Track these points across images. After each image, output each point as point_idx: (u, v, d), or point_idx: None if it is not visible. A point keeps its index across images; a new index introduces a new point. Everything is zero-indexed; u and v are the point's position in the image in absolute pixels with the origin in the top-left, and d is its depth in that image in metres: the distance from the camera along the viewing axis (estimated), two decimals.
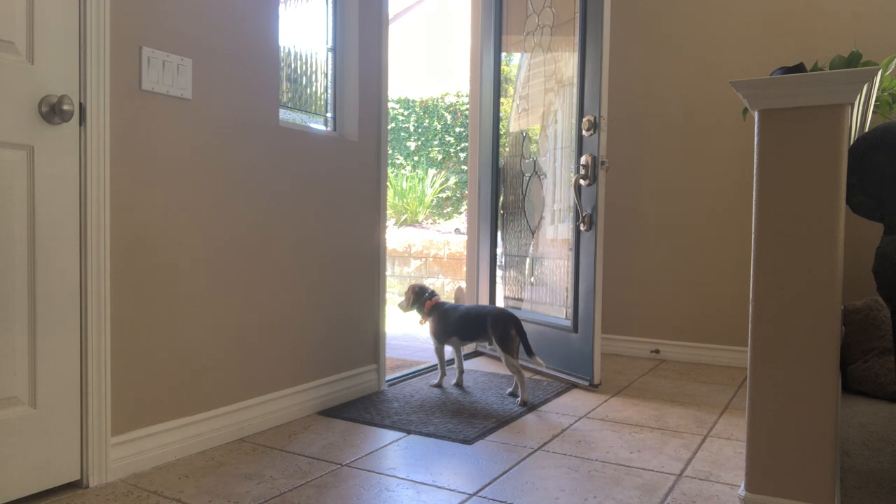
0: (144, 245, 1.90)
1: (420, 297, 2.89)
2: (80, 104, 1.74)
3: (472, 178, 3.84)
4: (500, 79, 3.66)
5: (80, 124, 1.74)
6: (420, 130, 9.25)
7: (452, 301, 4.78)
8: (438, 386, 2.89)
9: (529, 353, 2.67)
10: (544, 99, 3.34)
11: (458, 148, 8.99)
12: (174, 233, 1.98)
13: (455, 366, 2.94)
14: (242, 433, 2.20)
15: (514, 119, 3.60)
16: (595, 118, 2.88)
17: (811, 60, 3.24)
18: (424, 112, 9.22)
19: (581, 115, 2.98)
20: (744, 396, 2.83)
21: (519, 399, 2.64)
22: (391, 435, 2.26)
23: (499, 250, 3.70)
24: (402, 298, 2.94)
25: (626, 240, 3.73)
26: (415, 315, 3.06)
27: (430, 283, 6.43)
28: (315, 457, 2.03)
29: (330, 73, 2.72)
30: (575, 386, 2.96)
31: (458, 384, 2.89)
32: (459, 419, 2.42)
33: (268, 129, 2.28)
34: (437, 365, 3.27)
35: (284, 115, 2.51)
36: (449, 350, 2.93)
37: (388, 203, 4.69)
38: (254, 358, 2.25)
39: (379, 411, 2.51)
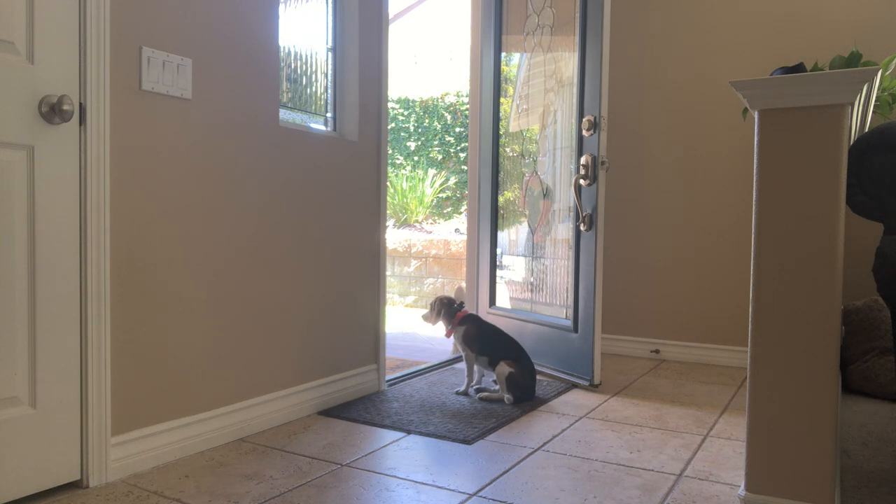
0: (144, 245, 1.90)
1: (450, 309, 2.87)
2: (80, 104, 1.74)
3: (472, 178, 3.83)
4: (500, 79, 3.66)
5: (80, 124, 1.74)
6: (420, 130, 9.25)
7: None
8: (464, 394, 2.79)
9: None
10: (544, 99, 3.34)
11: (458, 148, 8.98)
12: (174, 232, 1.98)
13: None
14: (242, 433, 2.20)
15: (513, 119, 3.60)
16: (595, 118, 2.88)
17: (811, 60, 3.24)
18: (424, 112, 9.21)
19: (581, 114, 2.97)
20: (744, 396, 2.83)
21: (509, 397, 2.63)
22: (391, 435, 2.26)
23: (499, 250, 3.70)
24: (427, 311, 2.92)
25: (626, 240, 3.73)
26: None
27: (430, 283, 6.42)
28: (315, 457, 2.03)
29: (330, 73, 2.71)
30: (575, 386, 2.96)
31: (465, 392, 2.83)
32: (459, 419, 2.42)
33: (268, 129, 2.27)
34: (437, 365, 3.26)
35: (284, 115, 2.51)
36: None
37: (388, 203, 4.69)
38: (254, 358, 2.25)
39: (379, 411, 2.51)
